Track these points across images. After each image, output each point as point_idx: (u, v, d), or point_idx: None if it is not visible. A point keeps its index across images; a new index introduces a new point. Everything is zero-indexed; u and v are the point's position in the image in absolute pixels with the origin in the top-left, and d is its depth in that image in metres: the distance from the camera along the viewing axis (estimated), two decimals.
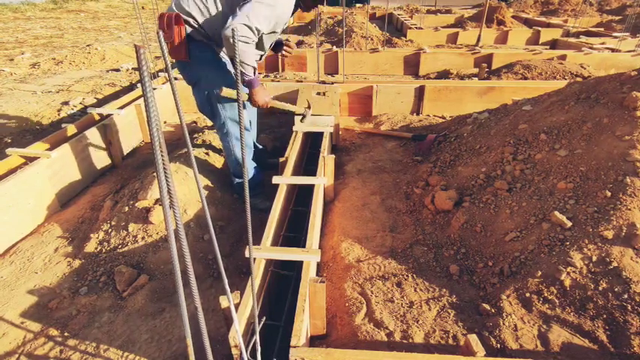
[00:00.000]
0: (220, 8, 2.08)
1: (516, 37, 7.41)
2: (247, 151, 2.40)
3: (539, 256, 1.56)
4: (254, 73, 2.11)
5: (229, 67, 2.29)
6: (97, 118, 3.11)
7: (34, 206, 2.28)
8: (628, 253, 1.42)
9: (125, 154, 3.16)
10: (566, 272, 1.44)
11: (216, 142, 2.99)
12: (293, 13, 2.22)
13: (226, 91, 2.12)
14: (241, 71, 2.09)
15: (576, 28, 7.75)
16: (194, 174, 0.75)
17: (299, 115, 2.69)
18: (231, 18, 1.92)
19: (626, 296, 1.34)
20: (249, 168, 2.47)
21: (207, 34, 2.11)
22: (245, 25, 1.87)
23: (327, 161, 2.31)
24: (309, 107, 2.72)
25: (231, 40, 1.87)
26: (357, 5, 14.69)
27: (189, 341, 0.78)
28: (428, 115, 3.73)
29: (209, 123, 3.56)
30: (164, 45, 0.61)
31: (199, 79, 2.20)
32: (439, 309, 1.53)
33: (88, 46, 6.87)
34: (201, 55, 2.12)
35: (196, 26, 2.07)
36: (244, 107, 2.44)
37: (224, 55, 2.29)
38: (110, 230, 2.10)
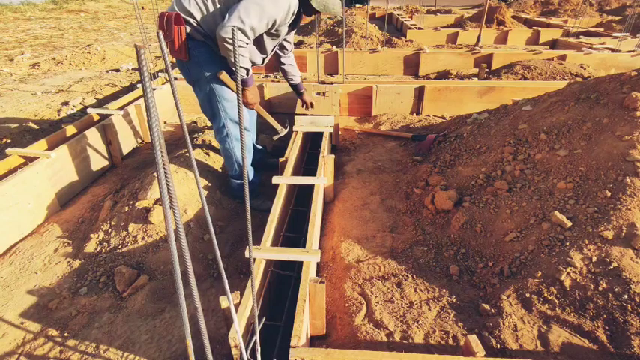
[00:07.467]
0: (219, 6, 2.08)
1: (516, 38, 7.41)
2: (247, 154, 2.41)
3: (539, 257, 1.56)
4: (247, 73, 2.15)
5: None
6: (97, 118, 3.11)
7: (34, 206, 2.28)
8: (628, 254, 1.42)
9: (125, 154, 3.16)
10: (566, 272, 1.44)
11: (216, 143, 2.99)
12: (296, 16, 2.23)
13: (225, 76, 2.15)
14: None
15: (576, 28, 7.75)
16: (194, 174, 0.75)
17: (275, 131, 2.69)
18: (227, 17, 1.93)
19: (625, 296, 1.34)
20: (249, 170, 2.47)
21: (206, 34, 2.12)
22: (238, 28, 1.89)
23: (327, 161, 2.31)
24: (285, 127, 2.72)
25: (225, 43, 1.89)
26: (357, 5, 14.72)
27: (189, 341, 0.78)
28: (428, 116, 3.73)
29: (209, 123, 3.56)
30: (164, 45, 0.61)
31: (199, 78, 2.20)
32: (439, 309, 1.53)
33: (88, 46, 6.86)
34: (200, 54, 2.12)
35: (196, 25, 2.07)
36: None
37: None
38: (110, 230, 2.10)
